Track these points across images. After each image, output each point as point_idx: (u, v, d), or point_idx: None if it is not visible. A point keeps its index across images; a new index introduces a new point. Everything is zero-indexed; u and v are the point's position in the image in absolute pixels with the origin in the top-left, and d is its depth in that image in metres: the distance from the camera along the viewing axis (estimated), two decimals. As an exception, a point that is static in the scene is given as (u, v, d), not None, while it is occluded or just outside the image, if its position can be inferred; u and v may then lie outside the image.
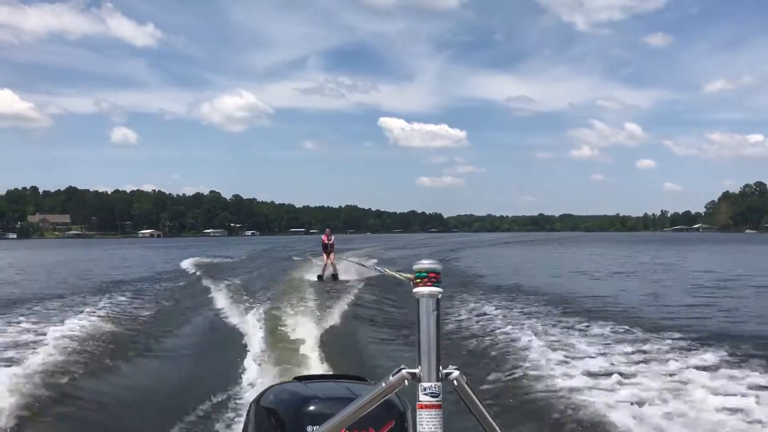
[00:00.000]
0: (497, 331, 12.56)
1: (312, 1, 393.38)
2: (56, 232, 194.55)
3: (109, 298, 19.07)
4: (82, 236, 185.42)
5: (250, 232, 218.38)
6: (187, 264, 37.26)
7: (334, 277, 24.28)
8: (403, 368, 1.63)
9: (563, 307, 16.14)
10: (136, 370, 10.46)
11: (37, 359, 9.68)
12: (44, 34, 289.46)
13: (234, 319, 14.71)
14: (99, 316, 14.68)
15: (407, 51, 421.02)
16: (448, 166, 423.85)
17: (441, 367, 1.62)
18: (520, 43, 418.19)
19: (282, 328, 12.42)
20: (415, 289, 1.65)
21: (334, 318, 14.24)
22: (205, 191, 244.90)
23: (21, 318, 14.56)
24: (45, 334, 11.80)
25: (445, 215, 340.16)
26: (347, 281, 23.10)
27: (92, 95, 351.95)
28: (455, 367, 1.66)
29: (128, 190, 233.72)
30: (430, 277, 1.64)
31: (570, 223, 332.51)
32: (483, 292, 20.63)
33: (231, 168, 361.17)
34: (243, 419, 2.80)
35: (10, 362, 9.61)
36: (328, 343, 11.10)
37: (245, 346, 11.16)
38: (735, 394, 7.55)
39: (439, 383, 1.60)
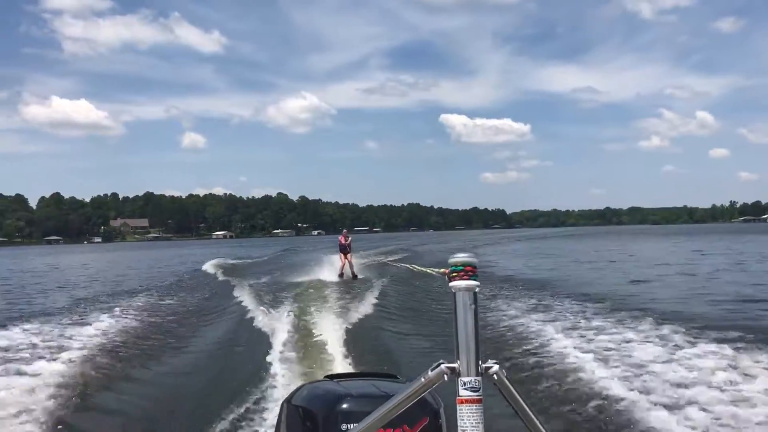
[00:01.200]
0: (528, 327, 12.34)
1: (373, 2, 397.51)
2: (136, 236, 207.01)
3: (148, 296, 21.24)
4: (160, 239, 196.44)
5: (316, 232, 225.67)
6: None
7: (354, 276, 24.90)
8: (442, 363, 1.61)
9: (603, 303, 15.34)
10: (173, 365, 11.02)
11: (77, 353, 10.61)
12: (117, 45, 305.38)
13: (260, 317, 14.75)
14: (133, 314, 16.09)
15: (469, 46, 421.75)
16: (512, 161, 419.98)
17: (480, 362, 1.61)
18: (584, 33, 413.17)
19: (308, 327, 12.51)
20: (452, 283, 1.65)
21: (359, 316, 14.35)
22: (272, 192, 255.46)
23: (75, 313, 16.27)
24: (89, 325, 13.45)
25: (509, 211, 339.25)
26: (370, 279, 23.70)
27: (163, 102, 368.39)
28: (495, 361, 1.65)
29: (200, 194, 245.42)
30: (467, 271, 1.64)
31: (638, 216, 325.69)
32: (515, 287, 20.65)
33: (296, 169, 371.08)
34: (275, 418, 2.81)
35: (53, 356, 10.42)
36: (355, 341, 11.11)
37: (272, 344, 11.09)
38: None
39: (479, 377, 1.59)
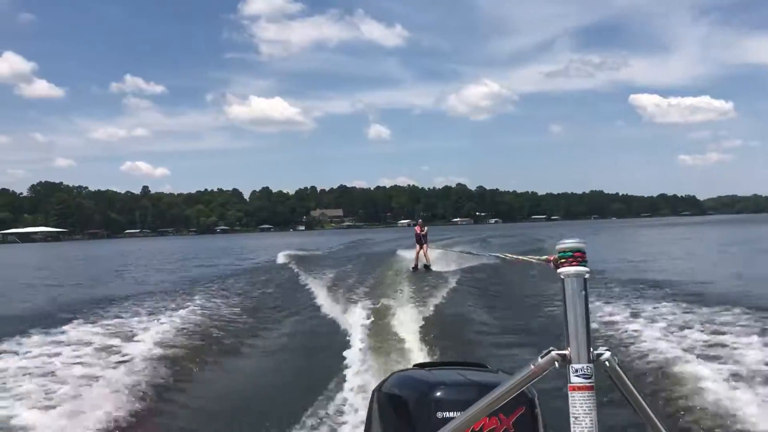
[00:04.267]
0: (640, 318, 11.89)
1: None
2: (332, 224, 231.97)
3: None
4: (353, 227, 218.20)
5: (493, 221, 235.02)
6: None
7: (427, 267, 24.54)
8: (552, 350, 1.59)
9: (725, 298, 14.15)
10: (263, 353, 11.38)
11: (160, 336, 11.22)
12: (308, 44, 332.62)
13: (337, 307, 14.82)
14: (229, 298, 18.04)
15: (663, 21, 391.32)
16: (712, 142, 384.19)
17: (591, 348, 1.58)
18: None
19: (390, 316, 12.26)
20: (560, 270, 1.63)
21: (441, 305, 14.30)
22: (453, 180, 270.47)
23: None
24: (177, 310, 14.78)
25: (701, 197, 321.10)
26: (454, 270, 22.96)
27: (350, 97, 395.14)
28: (606, 348, 1.62)
29: (386, 185, 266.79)
30: (576, 257, 1.62)
31: None
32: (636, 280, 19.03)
33: (476, 156, 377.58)
34: (365, 407, 2.78)
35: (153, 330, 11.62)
36: (438, 330, 11.06)
37: (354, 334, 10.87)
38: None
39: (590, 364, 1.57)
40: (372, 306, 13.36)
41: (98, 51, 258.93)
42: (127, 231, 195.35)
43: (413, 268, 24.63)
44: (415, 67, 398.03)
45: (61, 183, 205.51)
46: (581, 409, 1.58)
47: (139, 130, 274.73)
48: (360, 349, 9.55)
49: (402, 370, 2.87)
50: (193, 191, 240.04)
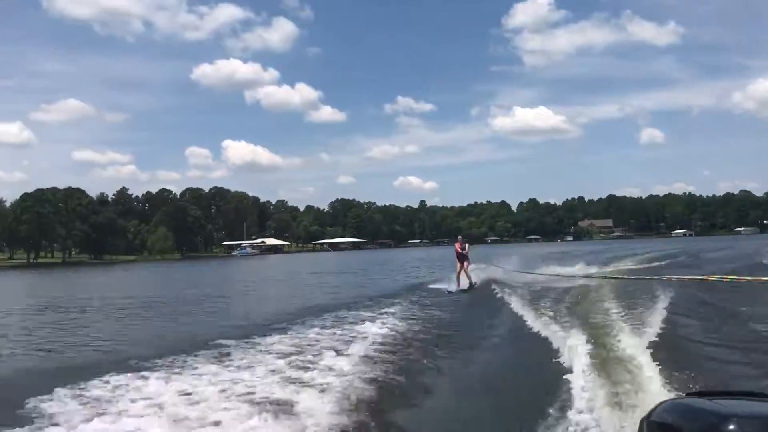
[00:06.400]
0: None
1: None
2: (602, 234, 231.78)
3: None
4: (623, 237, 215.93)
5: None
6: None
7: (469, 287, 23.70)
8: None
9: None
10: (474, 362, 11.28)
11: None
12: (572, 50, 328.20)
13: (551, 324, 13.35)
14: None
15: None
16: None
17: None
18: None
19: (609, 335, 11.08)
20: None
21: (666, 326, 12.27)
22: (738, 186, 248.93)
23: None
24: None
25: None
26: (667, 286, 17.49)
27: (617, 101, 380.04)
28: None
29: (660, 193, 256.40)
30: None
31: None
32: None
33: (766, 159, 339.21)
34: None
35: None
36: (667, 353, 9.54)
37: (570, 355, 9.72)
38: None
39: None
40: (588, 322, 12.60)
41: (374, 77, 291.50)
42: (410, 241, 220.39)
43: (453, 290, 23.61)
44: (692, 65, 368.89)
45: (353, 199, 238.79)
46: None
47: (410, 147, 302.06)
48: (583, 372, 8.50)
49: (676, 399, 2.74)
50: (464, 204, 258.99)
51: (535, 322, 14.18)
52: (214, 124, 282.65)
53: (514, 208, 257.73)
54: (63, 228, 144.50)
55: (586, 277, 23.72)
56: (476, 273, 26.59)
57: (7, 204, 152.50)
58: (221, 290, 38.15)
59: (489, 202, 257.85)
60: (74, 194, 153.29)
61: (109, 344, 15.71)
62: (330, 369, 9.89)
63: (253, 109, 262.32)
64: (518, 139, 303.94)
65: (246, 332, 14.77)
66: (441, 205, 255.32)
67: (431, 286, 26.72)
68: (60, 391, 9.03)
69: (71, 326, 20.02)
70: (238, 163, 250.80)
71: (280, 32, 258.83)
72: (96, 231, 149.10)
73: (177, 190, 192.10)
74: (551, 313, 15.14)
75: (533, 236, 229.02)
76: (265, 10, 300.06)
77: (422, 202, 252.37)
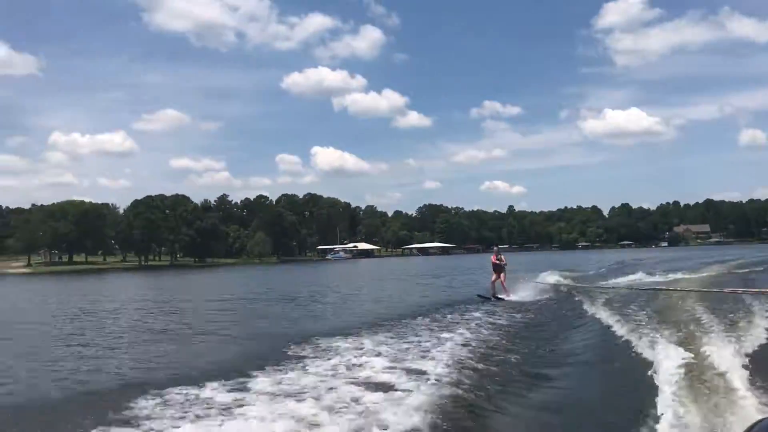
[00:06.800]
0: None
1: None
2: (698, 240, 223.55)
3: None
4: (722, 243, 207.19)
5: None
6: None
7: (498, 297, 23.94)
8: None
9: None
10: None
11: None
12: (666, 50, 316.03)
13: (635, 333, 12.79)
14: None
15: None
16: None
17: None
18: None
19: (700, 349, 10.29)
20: None
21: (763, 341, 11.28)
22: None
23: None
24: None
25: None
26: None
27: (716, 101, 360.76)
28: None
29: (762, 197, 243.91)
30: None
31: None
32: None
33: None
34: None
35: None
36: (764, 369, 8.81)
37: (659, 369, 9.22)
38: None
39: None
40: (677, 334, 11.99)
41: (460, 81, 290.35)
42: (498, 246, 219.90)
43: (488, 297, 24.06)
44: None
45: (441, 204, 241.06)
46: None
47: (497, 151, 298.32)
48: (674, 386, 8.19)
49: None
50: (553, 209, 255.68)
51: (621, 331, 13.59)
52: (303, 131, 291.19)
53: (605, 213, 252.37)
54: (171, 233, 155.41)
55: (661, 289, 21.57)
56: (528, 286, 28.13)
57: (120, 210, 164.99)
58: (338, 287, 42.18)
59: (579, 207, 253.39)
60: (181, 201, 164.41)
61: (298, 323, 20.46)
62: (421, 373, 10.41)
63: (340, 115, 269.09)
64: (610, 142, 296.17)
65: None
66: (529, 210, 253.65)
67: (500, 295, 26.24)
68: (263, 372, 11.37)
69: (257, 313, 25.62)
70: (326, 168, 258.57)
71: (368, 39, 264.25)
72: (200, 236, 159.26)
73: (269, 195, 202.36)
74: (636, 323, 14.31)
75: (626, 242, 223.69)
76: (353, 18, 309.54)
77: (510, 207, 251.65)
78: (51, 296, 43.50)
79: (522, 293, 25.95)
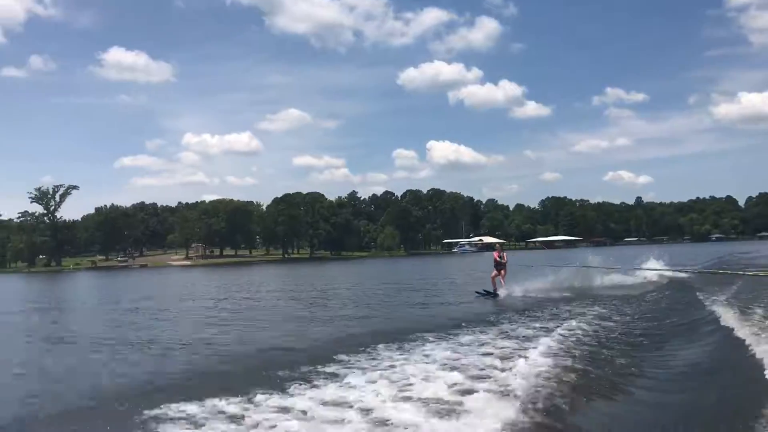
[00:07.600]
0: None
1: None
2: None
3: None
4: None
5: None
6: None
7: (497, 294, 24.34)
8: None
9: None
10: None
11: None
12: None
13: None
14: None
15: None
16: None
17: None
18: None
19: None
20: None
21: None
22: None
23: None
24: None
25: None
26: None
27: None
28: None
29: None
30: None
31: None
32: None
33: None
34: None
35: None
36: None
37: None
38: None
39: None
40: None
41: (579, 69, 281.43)
42: (626, 239, 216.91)
43: (492, 293, 24.62)
44: None
45: (564, 197, 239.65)
46: None
47: (621, 140, 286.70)
48: None
49: None
50: (684, 199, 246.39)
51: (735, 325, 12.97)
52: (419, 126, 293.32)
53: (741, 203, 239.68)
54: (310, 228, 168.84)
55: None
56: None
57: (263, 207, 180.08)
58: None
59: (712, 197, 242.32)
60: (318, 198, 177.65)
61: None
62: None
63: (456, 109, 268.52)
64: (745, 128, 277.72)
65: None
66: (658, 201, 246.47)
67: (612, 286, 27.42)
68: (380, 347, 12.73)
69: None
70: (442, 162, 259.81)
71: (483, 31, 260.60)
72: (336, 230, 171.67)
73: (392, 190, 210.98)
74: (744, 315, 13.92)
75: (765, 233, 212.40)
76: (468, 10, 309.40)
77: (638, 198, 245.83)
78: (241, 283, 49.29)
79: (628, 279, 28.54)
